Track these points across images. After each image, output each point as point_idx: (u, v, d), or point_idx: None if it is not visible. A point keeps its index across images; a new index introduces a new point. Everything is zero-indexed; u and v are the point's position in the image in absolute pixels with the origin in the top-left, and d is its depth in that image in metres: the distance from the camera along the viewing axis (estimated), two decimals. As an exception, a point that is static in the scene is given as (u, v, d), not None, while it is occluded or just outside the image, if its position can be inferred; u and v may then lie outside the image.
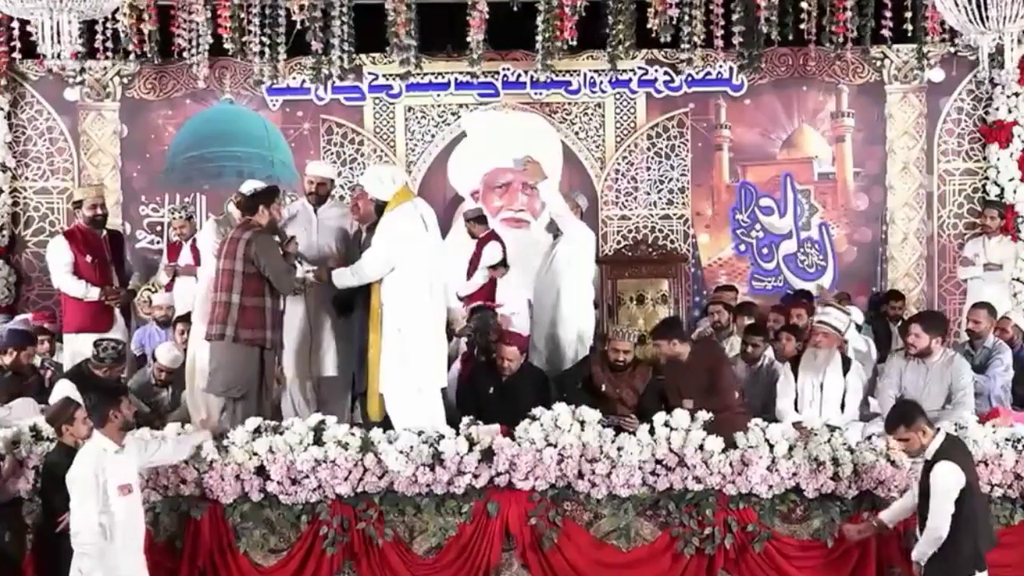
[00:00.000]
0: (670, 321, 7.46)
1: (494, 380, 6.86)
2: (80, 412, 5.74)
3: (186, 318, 7.50)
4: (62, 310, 8.09)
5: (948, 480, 5.39)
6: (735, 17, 9.04)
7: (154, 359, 7.63)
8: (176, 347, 7.58)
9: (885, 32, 9.18)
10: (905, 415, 5.57)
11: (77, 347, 7.62)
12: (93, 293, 7.75)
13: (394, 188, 6.60)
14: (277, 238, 6.70)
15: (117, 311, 7.89)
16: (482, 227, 8.26)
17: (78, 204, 8.03)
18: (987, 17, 6.49)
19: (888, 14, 9.11)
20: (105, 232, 8.03)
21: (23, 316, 9.17)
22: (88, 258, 7.79)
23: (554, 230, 7.59)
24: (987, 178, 10.12)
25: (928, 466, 5.47)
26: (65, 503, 5.43)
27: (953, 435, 5.75)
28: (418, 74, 9.90)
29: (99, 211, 7.96)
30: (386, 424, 6.48)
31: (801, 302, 8.72)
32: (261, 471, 6.14)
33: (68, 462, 5.47)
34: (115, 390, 5.85)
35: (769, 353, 7.38)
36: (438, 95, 10.28)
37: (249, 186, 7.21)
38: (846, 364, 6.88)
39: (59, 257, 7.82)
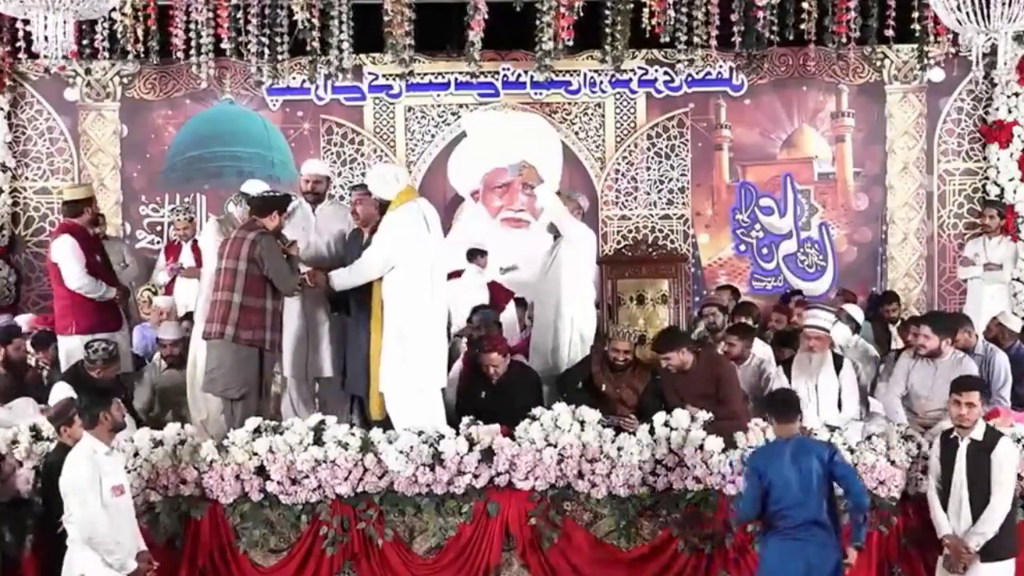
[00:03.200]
0: (673, 331, 7.12)
1: (485, 383, 6.85)
2: (79, 415, 5.74)
3: (188, 317, 7.49)
4: (60, 312, 7.60)
5: (1014, 455, 5.59)
6: (734, 17, 9.03)
7: (158, 341, 7.70)
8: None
9: (889, 32, 9.15)
10: (985, 387, 5.80)
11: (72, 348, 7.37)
12: (111, 293, 7.48)
13: (398, 187, 6.60)
14: (279, 242, 6.70)
15: (121, 310, 7.84)
16: None
17: (76, 204, 7.61)
18: (984, 17, 6.47)
19: (889, 14, 9.11)
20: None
21: (18, 317, 8.89)
22: (97, 257, 7.58)
23: (554, 231, 7.59)
24: (987, 178, 10.11)
25: (983, 446, 5.56)
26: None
27: None
28: (418, 74, 9.90)
29: (98, 210, 7.97)
30: (386, 424, 6.48)
31: (800, 302, 8.71)
32: (261, 471, 6.13)
33: (68, 462, 5.47)
34: (105, 392, 5.84)
35: (759, 352, 7.32)
36: (438, 95, 10.28)
37: (250, 185, 7.19)
38: (838, 363, 6.81)
39: (76, 257, 7.42)
